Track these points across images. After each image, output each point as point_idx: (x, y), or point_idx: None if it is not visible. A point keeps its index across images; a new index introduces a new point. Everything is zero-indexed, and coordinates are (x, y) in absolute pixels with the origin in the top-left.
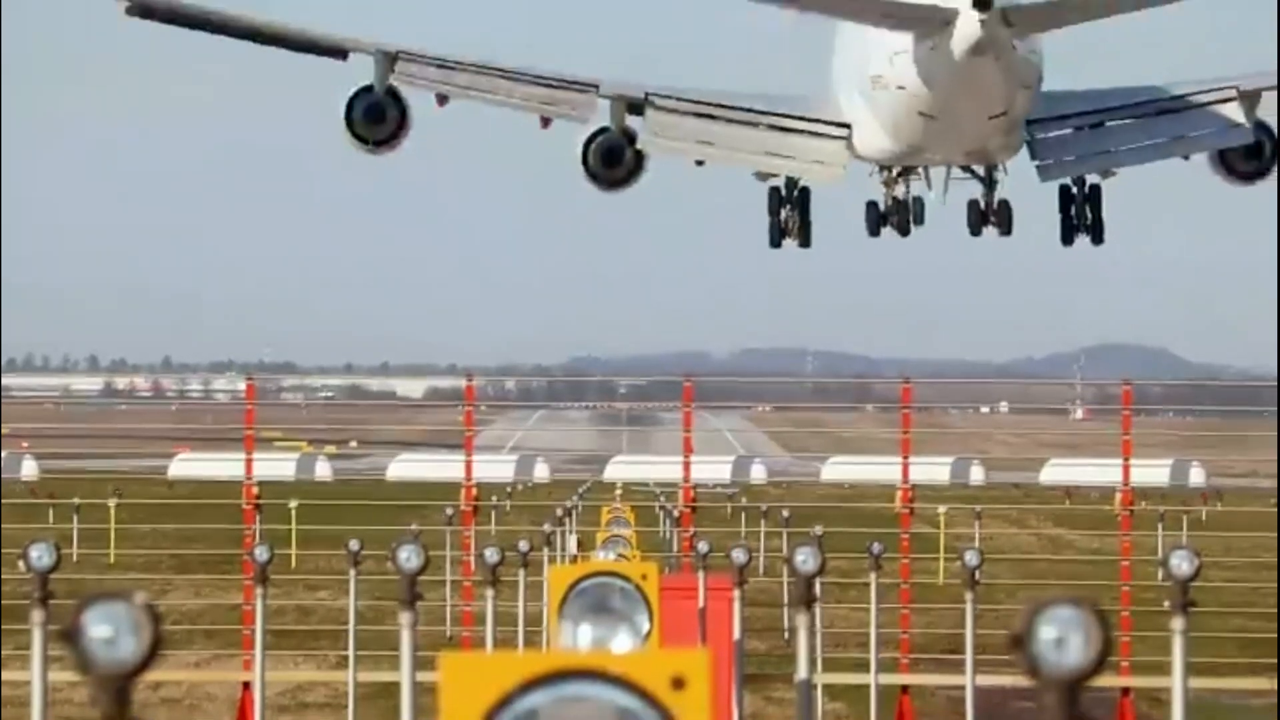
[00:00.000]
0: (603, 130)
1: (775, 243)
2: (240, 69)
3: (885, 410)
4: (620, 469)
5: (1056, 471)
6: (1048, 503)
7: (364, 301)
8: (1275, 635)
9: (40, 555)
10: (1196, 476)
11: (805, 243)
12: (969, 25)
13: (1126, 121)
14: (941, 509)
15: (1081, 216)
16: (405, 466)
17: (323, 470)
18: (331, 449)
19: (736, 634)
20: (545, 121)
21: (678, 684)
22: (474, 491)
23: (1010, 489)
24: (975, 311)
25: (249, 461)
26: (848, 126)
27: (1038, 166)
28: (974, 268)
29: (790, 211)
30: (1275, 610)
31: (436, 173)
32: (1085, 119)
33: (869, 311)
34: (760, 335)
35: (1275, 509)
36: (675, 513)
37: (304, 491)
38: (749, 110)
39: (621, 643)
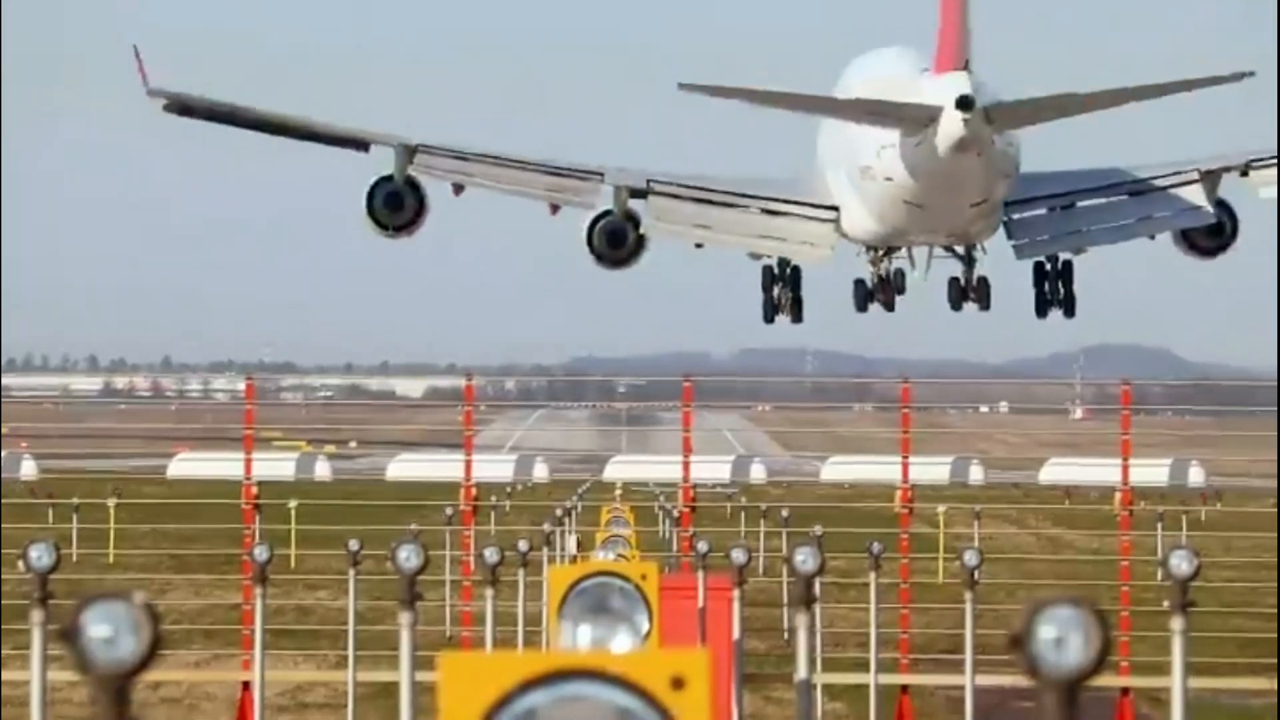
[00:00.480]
0: (607, 213)
1: (768, 318)
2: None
3: (885, 410)
4: (620, 469)
5: (1056, 471)
6: (1047, 502)
7: (364, 301)
8: (1275, 635)
9: (40, 555)
10: (1196, 476)
11: (797, 318)
12: (953, 124)
13: (1096, 203)
14: (941, 509)
15: (1054, 292)
16: (405, 466)
17: (322, 470)
18: (331, 449)
19: (736, 634)
20: (554, 208)
21: (677, 684)
22: (473, 491)
23: (1010, 489)
24: (974, 311)
25: (248, 461)
26: (836, 209)
27: (1014, 246)
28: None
29: (782, 289)
30: (1275, 610)
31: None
32: (1058, 200)
33: (868, 314)
34: (760, 335)
35: (1275, 509)
36: (675, 513)
37: (303, 491)
38: (743, 195)
39: (621, 643)
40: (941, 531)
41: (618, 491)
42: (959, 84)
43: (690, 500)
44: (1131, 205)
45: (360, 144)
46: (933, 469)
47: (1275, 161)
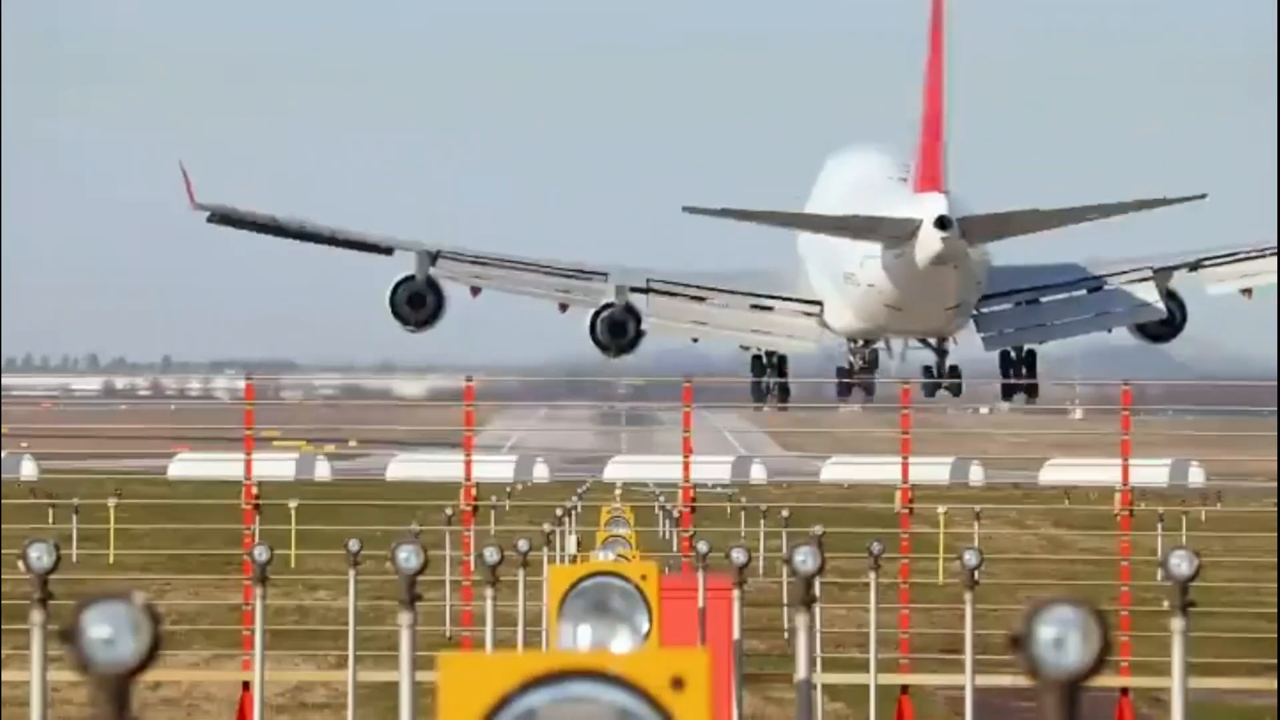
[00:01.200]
0: (609, 305)
1: (757, 400)
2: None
3: (885, 410)
4: (620, 469)
5: (1056, 471)
6: (1047, 503)
7: (363, 298)
8: (1275, 635)
9: (40, 555)
10: (1196, 476)
11: (783, 400)
12: (932, 241)
13: (1058, 298)
14: (941, 509)
15: (1019, 377)
16: (404, 466)
17: (322, 470)
18: (331, 448)
19: (736, 634)
20: (563, 307)
21: (677, 684)
22: (473, 491)
23: (1010, 489)
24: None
25: (248, 461)
26: (819, 303)
27: (983, 338)
28: None
29: (770, 375)
30: (1275, 610)
31: (440, 159)
32: (1023, 295)
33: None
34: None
35: (1275, 509)
36: (675, 512)
37: (303, 491)
38: (734, 292)
39: (621, 643)
40: (941, 531)
41: (618, 491)
42: (938, 205)
43: (690, 500)
44: (1090, 301)
45: (384, 249)
46: (933, 469)
47: (1224, 260)
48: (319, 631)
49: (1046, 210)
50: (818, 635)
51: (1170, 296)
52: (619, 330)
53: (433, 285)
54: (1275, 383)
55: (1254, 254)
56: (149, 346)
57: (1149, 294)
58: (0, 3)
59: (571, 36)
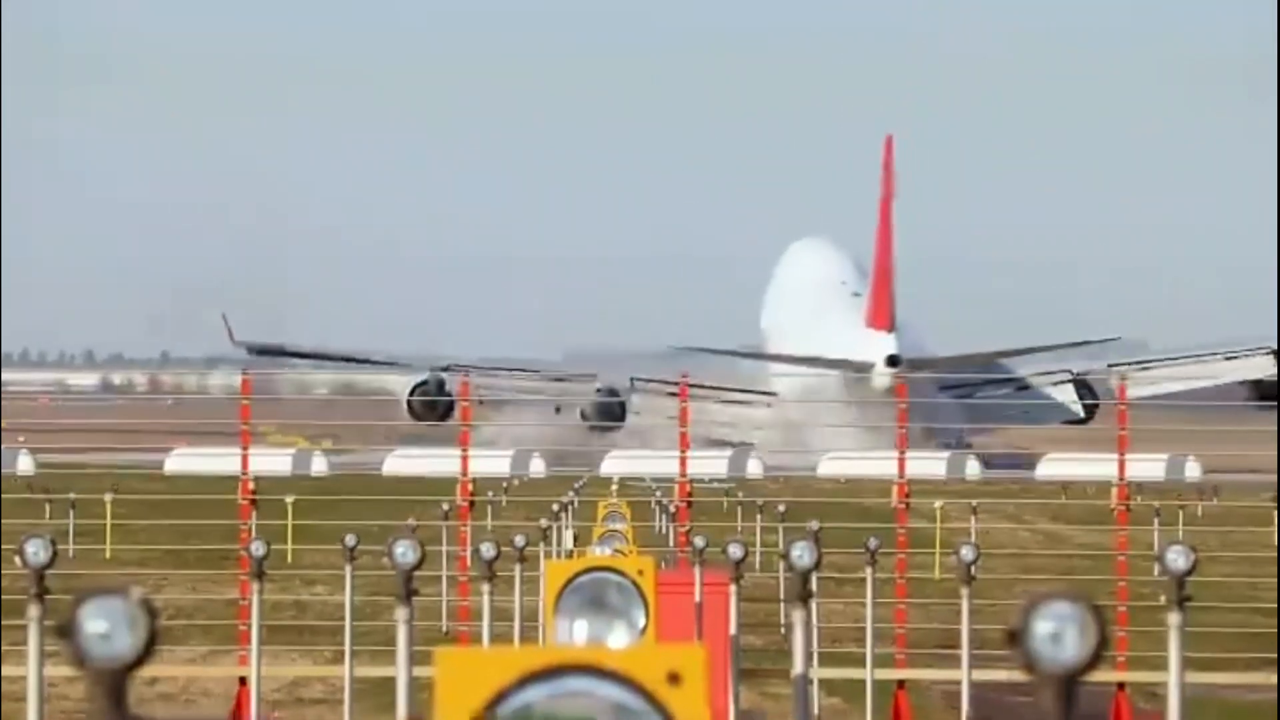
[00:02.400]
0: (598, 390)
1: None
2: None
3: (882, 406)
4: (616, 464)
5: (1053, 466)
6: (1044, 497)
7: (361, 295)
8: (1273, 630)
9: (36, 551)
10: (1192, 471)
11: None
12: (884, 377)
13: (989, 395)
14: (938, 504)
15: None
16: (401, 462)
17: (319, 465)
18: (327, 443)
19: (733, 629)
20: (558, 409)
21: (674, 679)
22: (470, 487)
23: (1006, 484)
24: (971, 306)
25: (245, 457)
26: (775, 394)
27: (922, 428)
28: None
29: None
30: (1274, 605)
31: (440, 159)
32: (957, 391)
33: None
34: (756, 332)
35: (1272, 504)
36: (671, 508)
37: (300, 486)
38: (705, 387)
39: (618, 638)
40: (938, 526)
41: (614, 487)
42: (888, 345)
43: (687, 495)
44: (1016, 404)
45: (404, 365)
46: (929, 464)
47: (1138, 366)
48: (316, 627)
49: (986, 353)
50: (814, 630)
51: (1086, 388)
52: (608, 414)
53: (444, 391)
54: (1274, 378)
55: (1164, 361)
56: (146, 342)
57: (1067, 394)
58: (0, 3)
59: (572, 37)
